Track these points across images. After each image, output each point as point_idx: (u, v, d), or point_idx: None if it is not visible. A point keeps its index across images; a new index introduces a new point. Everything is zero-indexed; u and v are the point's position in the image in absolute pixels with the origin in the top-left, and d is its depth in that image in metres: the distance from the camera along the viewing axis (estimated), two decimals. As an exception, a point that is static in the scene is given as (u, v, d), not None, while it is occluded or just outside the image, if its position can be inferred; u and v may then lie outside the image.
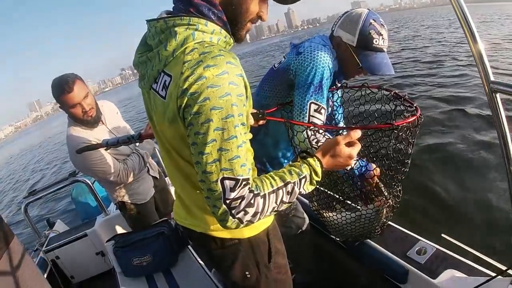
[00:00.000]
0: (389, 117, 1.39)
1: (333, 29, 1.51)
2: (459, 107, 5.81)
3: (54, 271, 2.82)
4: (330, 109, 1.65)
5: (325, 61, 1.37)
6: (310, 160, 0.93)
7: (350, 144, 0.97)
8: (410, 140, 1.21)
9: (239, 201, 0.78)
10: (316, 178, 0.92)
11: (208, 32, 0.79)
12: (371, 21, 1.38)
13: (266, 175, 0.89)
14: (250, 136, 1.04)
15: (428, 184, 3.72)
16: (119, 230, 2.93)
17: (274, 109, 1.46)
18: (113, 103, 2.32)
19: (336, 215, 1.59)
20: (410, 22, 42.10)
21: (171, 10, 0.86)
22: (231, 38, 0.86)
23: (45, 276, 2.71)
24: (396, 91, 1.37)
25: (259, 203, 0.81)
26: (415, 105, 1.24)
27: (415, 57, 12.74)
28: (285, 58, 1.53)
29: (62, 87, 1.84)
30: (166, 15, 0.82)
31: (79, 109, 1.91)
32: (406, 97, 1.32)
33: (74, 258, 2.92)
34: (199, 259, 2.00)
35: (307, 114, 1.36)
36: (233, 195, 0.77)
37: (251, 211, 0.80)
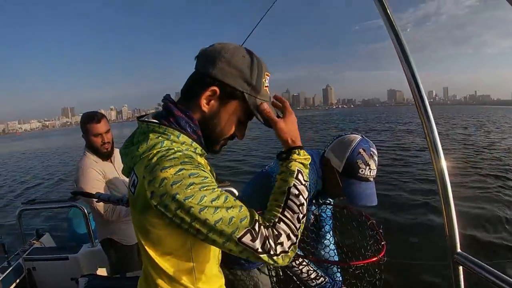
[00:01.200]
0: (363, 243, 1.41)
1: (325, 149, 1.55)
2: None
3: (27, 279, 2.91)
4: (311, 221, 1.69)
5: None
6: (293, 156, 0.97)
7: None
8: (367, 278, 1.23)
9: (266, 242, 0.82)
10: (302, 159, 0.98)
11: (178, 143, 0.89)
12: (360, 150, 1.40)
13: (270, 198, 0.95)
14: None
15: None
16: (99, 265, 2.99)
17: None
18: None
19: None
20: (440, 119, 41.90)
21: (158, 112, 0.98)
22: (202, 150, 0.96)
23: (17, 281, 2.81)
24: (374, 222, 1.40)
25: (282, 227, 0.85)
26: (383, 243, 1.27)
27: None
28: (273, 163, 1.59)
29: (92, 117, 2.29)
30: (152, 119, 0.94)
31: (99, 139, 2.31)
32: (381, 231, 1.34)
33: (49, 275, 2.99)
34: None
35: None
36: (258, 243, 0.81)
37: (282, 238, 0.84)
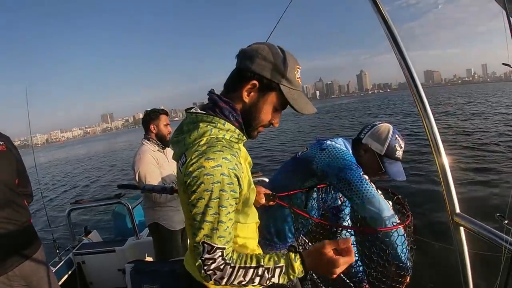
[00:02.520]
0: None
1: (361, 136, 1.77)
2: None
3: (77, 273, 3.15)
4: (339, 202, 1.82)
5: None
6: (291, 254, 1.03)
7: (342, 252, 0.99)
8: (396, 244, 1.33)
9: (211, 262, 0.97)
10: (292, 273, 1.01)
11: (224, 130, 1.04)
12: (396, 136, 1.69)
13: (248, 254, 1.05)
14: (255, 215, 1.23)
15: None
16: (144, 255, 3.20)
17: (285, 194, 1.67)
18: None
19: None
20: (481, 98, 40.20)
21: (204, 104, 1.13)
22: (244, 136, 1.11)
23: (68, 274, 3.06)
24: (400, 197, 1.54)
25: (227, 271, 0.98)
26: (408, 213, 1.40)
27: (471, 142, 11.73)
28: (307, 149, 1.75)
29: (163, 110, 2.84)
30: (199, 110, 1.09)
31: (168, 129, 2.81)
32: (406, 204, 1.49)
33: (98, 267, 3.22)
34: None
35: (367, 181, 1.49)
36: (206, 256, 0.97)
37: (219, 274, 0.98)
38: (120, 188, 2.27)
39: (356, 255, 1.71)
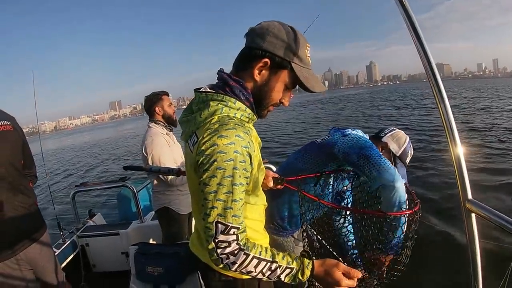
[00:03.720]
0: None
1: (381, 135, 1.91)
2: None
3: (80, 255, 3.16)
4: (345, 187, 1.87)
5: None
6: (305, 260, 1.06)
7: (347, 276, 1.05)
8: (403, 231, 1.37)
9: (225, 245, 0.95)
10: (300, 277, 1.04)
11: (234, 108, 1.03)
12: (410, 144, 1.90)
13: (261, 245, 1.04)
14: (263, 197, 1.24)
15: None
16: (148, 238, 3.21)
17: (294, 178, 1.70)
18: None
19: None
20: (494, 93, 39.40)
21: (213, 84, 1.11)
22: (254, 115, 1.10)
23: (72, 256, 3.07)
24: (408, 185, 1.55)
25: (240, 257, 0.97)
26: (417, 201, 1.39)
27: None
28: (328, 136, 1.84)
29: (164, 92, 2.79)
30: (209, 90, 1.07)
31: (172, 108, 2.78)
32: (413, 191, 1.50)
33: (101, 250, 3.24)
34: (203, 285, 2.15)
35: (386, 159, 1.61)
36: (221, 237, 0.94)
37: (231, 259, 0.96)
38: (126, 170, 2.24)
39: (353, 238, 1.84)
